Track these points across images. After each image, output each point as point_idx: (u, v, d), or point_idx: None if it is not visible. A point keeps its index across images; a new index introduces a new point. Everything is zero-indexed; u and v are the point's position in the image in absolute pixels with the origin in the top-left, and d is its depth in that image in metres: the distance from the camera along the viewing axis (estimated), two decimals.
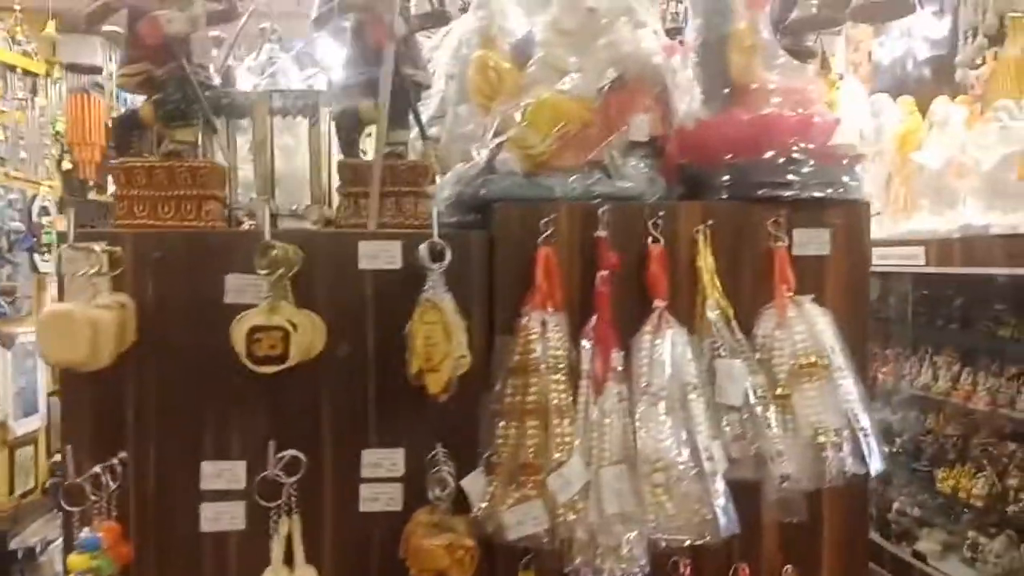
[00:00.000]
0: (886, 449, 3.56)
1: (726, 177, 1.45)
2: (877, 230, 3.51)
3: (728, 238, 1.42)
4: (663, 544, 1.26)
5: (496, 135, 1.46)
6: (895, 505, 3.50)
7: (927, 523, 3.41)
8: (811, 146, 1.44)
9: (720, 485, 1.26)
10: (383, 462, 1.32)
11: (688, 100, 1.58)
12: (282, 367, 1.17)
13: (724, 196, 1.46)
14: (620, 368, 1.33)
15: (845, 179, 1.45)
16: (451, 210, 1.55)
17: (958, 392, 3.35)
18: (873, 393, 3.87)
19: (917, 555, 3.24)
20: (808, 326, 1.35)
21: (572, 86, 1.52)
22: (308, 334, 1.23)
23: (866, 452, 1.32)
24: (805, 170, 1.42)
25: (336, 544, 1.34)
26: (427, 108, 1.73)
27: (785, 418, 1.32)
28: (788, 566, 1.41)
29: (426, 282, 1.25)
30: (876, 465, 1.34)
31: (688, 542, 1.24)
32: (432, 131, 1.66)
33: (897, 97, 3.75)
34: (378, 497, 1.33)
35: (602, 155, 1.49)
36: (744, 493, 1.35)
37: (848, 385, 1.34)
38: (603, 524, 1.25)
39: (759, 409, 1.30)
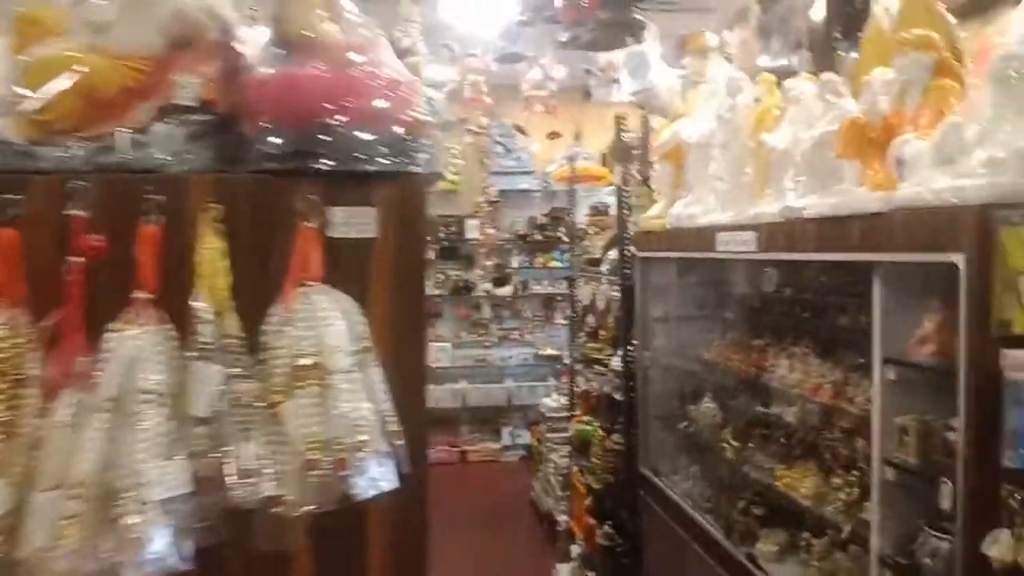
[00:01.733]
0: (734, 443, 3.30)
1: (264, 144, 1.19)
2: (724, 215, 3.25)
3: (251, 217, 1.16)
4: None
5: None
6: (740, 504, 3.22)
7: (768, 523, 3.12)
8: (361, 110, 1.17)
9: (149, 516, 1.00)
10: None
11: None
12: None
13: (261, 167, 1.19)
14: (84, 373, 1.08)
15: (406, 150, 1.18)
16: None
17: (809, 385, 3.05)
18: (738, 385, 3.57)
19: (751, 557, 2.96)
20: (314, 321, 1.09)
21: (112, 42, 1.26)
22: None
23: (375, 469, 1.05)
24: (346, 138, 1.15)
25: None
26: None
27: (276, 430, 1.06)
28: None
29: None
30: (385, 484, 1.07)
31: None
32: None
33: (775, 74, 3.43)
34: None
35: (137, 121, 1.24)
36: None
37: (359, 390, 1.07)
38: (36, 557, 1.00)
39: (237, 420, 1.05)
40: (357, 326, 1.12)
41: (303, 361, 1.06)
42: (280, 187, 1.16)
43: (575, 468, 5.16)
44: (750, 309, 3.63)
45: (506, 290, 7.74)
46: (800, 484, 2.83)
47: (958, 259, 1.90)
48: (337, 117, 1.14)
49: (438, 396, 7.57)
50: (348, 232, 1.15)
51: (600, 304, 5.30)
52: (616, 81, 4.59)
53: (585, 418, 5.11)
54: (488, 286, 7.73)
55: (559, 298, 7.94)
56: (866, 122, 2.43)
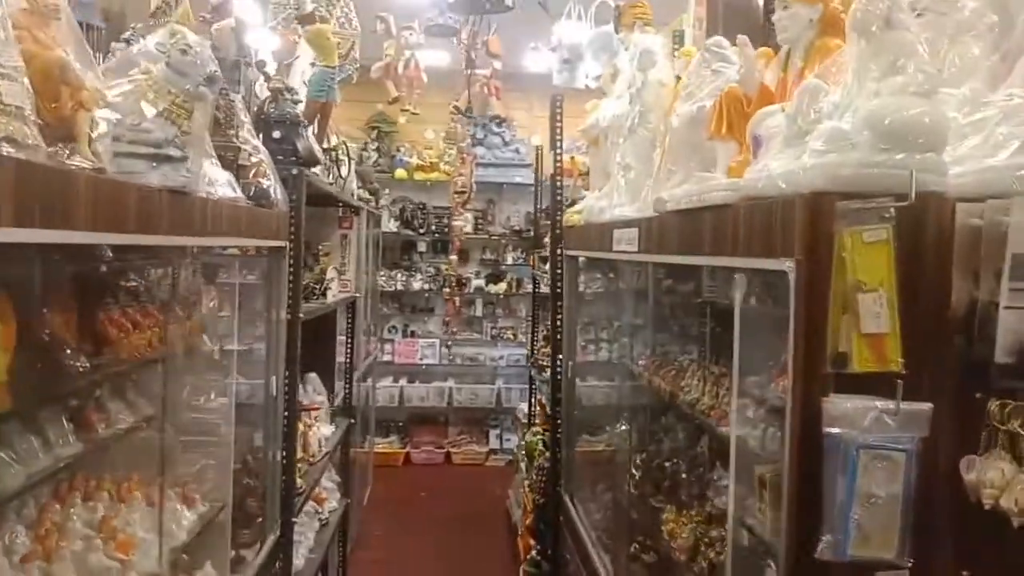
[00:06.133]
0: (636, 474, 2.79)
1: None
2: (629, 209, 2.72)
3: None
4: None
5: None
6: (634, 547, 2.70)
7: (663, 572, 2.60)
8: None
9: None
10: None
11: None
12: None
13: None
14: None
15: None
16: None
17: (716, 412, 2.51)
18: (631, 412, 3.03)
19: None
20: None
21: None
22: None
23: None
24: None
25: None
26: None
27: None
28: None
29: None
30: None
31: None
32: None
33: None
34: None
35: None
36: None
37: None
38: None
39: None
40: None
41: None
42: None
43: (525, 482, 4.69)
44: (679, 320, 3.09)
45: (500, 287, 7.28)
46: (680, 533, 2.31)
47: (788, 266, 1.37)
48: None
49: (422, 394, 7.19)
50: None
51: None
52: (567, 62, 4.08)
53: (538, 429, 4.64)
54: (481, 282, 7.29)
55: None
56: (742, 94, 1.91)
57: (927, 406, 1.27)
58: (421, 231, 7.27)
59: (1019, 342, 1.26)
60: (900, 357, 1.28)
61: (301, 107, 3.23)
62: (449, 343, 7.14)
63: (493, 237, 7.32)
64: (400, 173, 7.21)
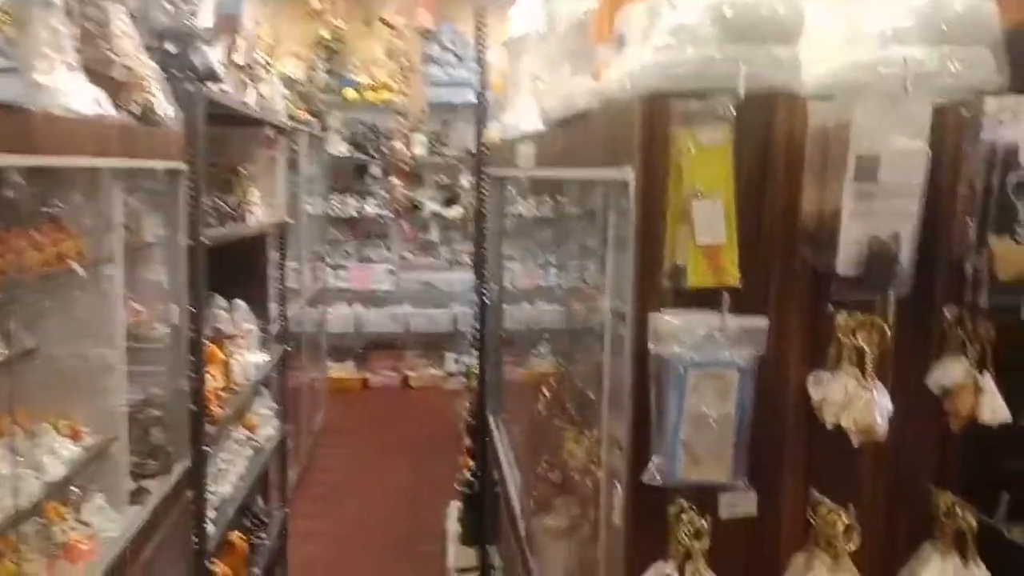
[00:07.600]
0: (547, 395, 2.72)
1: None
2: (531, 123, 2.58)
3: None
4: None
5: None
6: (542, 466, 2.66)
7: (565, 491, 2.57)
8: None
9: None
10: None
11: None
12: None
13: None
14: None
15: None
16: None
17: None
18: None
19: (528, 533, 2.42)
20: None
21: None
22: None
23: None
24: None
25: None
26: None
27: None
28: None
29: None
30: None
31: None
32: None
33: None
34: None
35: None
36: None
37: None
38: None
39: None
40: None
41: None
42: None
43: (467, 404, 4.67)
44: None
45: (455, 211, 7.13)
46: (576, 452, 2.26)
47: (628, 175, 1.26)
48: None
49: (379, 320, 7.11)
50: None
51: None
52: None
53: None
54: (436, 206, 7.14)
55: None
56: None
57: (763, 321, 1.19)
58: (373, 154, 7.05)
59: (862, 253, 1.17)
60: (737, 270, 1.18)
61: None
62: (392, 269, 7.04)
63: (448, 160, 7.12)
64: (350, 94, 6.95)
